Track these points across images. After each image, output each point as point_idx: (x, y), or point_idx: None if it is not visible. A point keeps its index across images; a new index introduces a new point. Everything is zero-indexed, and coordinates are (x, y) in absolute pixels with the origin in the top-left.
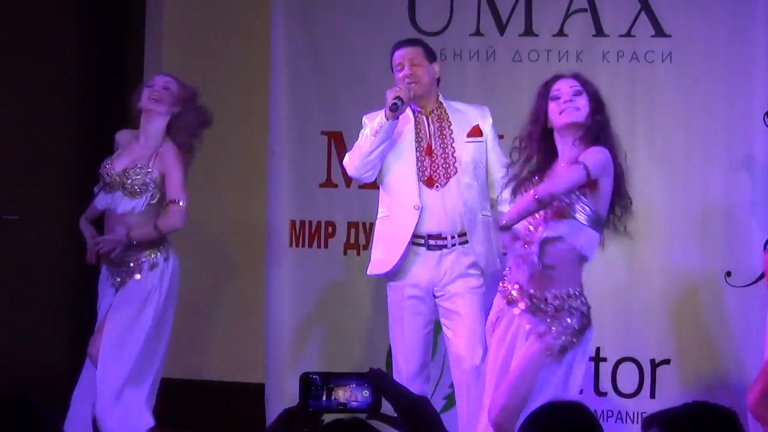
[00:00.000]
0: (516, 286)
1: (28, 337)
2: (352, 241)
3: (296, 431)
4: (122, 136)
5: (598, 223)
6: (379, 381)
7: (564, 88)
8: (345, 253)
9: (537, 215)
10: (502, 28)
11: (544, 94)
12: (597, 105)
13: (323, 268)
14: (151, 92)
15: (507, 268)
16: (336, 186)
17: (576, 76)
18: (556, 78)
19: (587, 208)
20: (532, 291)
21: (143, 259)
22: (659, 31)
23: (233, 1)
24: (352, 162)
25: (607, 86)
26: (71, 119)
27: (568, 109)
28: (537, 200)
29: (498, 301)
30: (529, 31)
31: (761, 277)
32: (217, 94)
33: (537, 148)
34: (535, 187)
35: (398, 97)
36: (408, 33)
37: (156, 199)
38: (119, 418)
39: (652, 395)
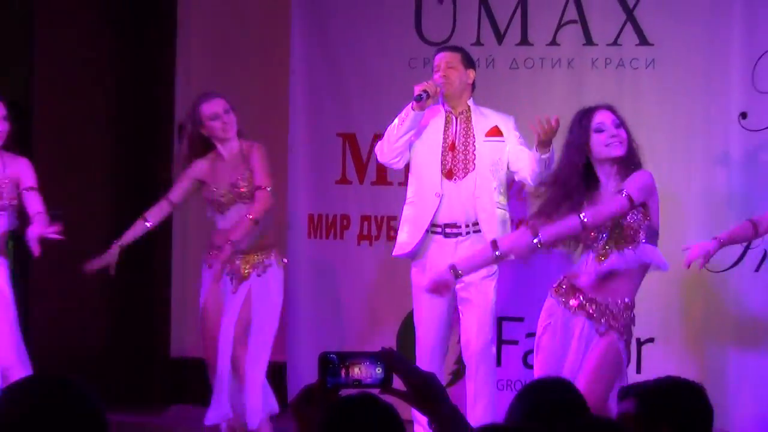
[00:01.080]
0: (578, 294)
1: (71, 320)
2: (365, 233)
3: (316, 405)
4: (200, 165)
5: (654, 236)
6: (390, 359)
7: (607, 121)
8: (359, 244)
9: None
10: (500, 38)
11: (587, 126)
12: (629, 133)
13: (339, 258)
14: (222, 124)
15: (563, 277)
16: (350, 183)
17: (611, 108)
18: (594, 110)
19: (646, 227)
20: (592, 297)
21: (265, 260)
22: (643, 40)
23: (256, 15)
24: (381, 148)
25: (596, 91)
26: (109, 123)
27: (614, 143)
28: (583, 224)
29: (552, 308)
30: (524, 41)
31: (735, 263)
32: (242, 99)
33: (580, 176)
34: (573, 212)
35: (425, 90)
36: (415, 44)
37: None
38: (262, 404)
39: (638, 371)
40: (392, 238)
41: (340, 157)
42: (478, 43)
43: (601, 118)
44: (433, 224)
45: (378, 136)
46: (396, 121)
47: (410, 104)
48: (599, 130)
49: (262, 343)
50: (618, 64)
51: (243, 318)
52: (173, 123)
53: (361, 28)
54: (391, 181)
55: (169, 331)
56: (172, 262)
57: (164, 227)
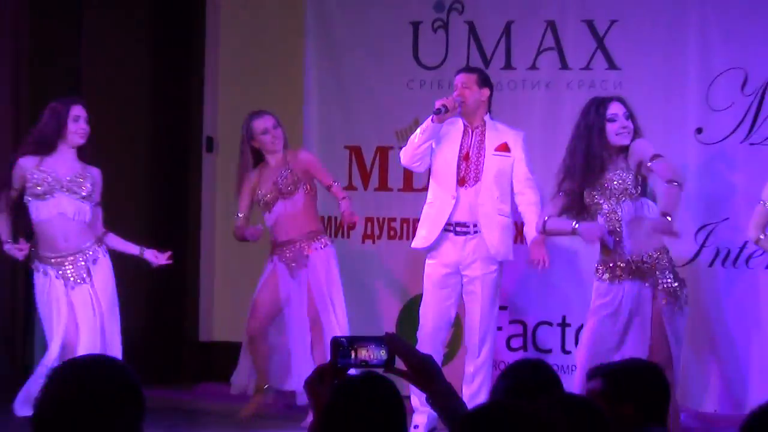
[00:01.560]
0: (620, 264)
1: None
2: (368, 232)
3: (328, 383)
4: (252, 176)
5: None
6: (393, 342)
7: (619, 112)
8: (363, 242)
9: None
10: (486, 63)
11: (603, 114)
12: (636, 124)
13: (347, 254)
14: (272, 138)
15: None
16: (356, 189)
17: (622, 100)
18: (609, 100)
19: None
20: (629, 258)
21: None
22: (611, 65)
23: (276, 45)
24: (405, 154)
25: (570, 109)
26: (147, 124)
27: (624, 133)
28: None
29: (601, 290)
30: (508, 65)
31: (692, 259)
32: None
33: (597, 156)
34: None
35: (444, 105)
36: (412, 68)
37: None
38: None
39: None
40: (392, 237)
41: (347, 166)
42: (476, 67)
43: (614, 109)
44: (447, 223)
45: (380, 149)
46: (418, 130)
47: (431, 117)
48: (612, 120)
49: (341, 307)
50: (590, 86)
51: (311, 303)
52: (202, 135)
53: (365, 54)
54: (391, 187)
55: (198, 318)
56: (201, 258)
57: (193, 227)
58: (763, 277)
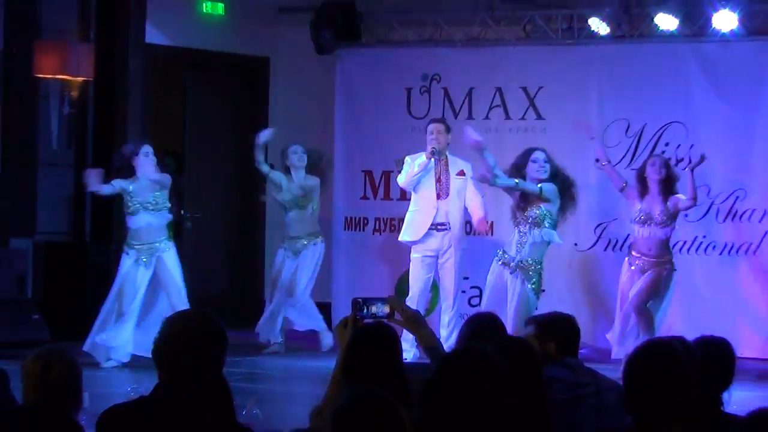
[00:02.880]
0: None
1: (200, 276)
2: (377, 228)
3: (349, 328)
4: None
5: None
6: (392, 301)
7: (540, 158)
8: (373, 234)
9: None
10: (455, 114)
11: (527, 157)
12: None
13: (361, 243)
14: (290, 158)
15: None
16: (368, 198)
17: (544, 150)
18: (534, 149)
19: None
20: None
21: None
22: (539, 116)
23: (314, 99)
24: (404, 180)
25: (512, 147)
26: (230, 143)
27: (541, 170)
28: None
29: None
30: (470, 117)
31: (593, 246)
32: (305, 144)
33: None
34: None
35: (434, 148)
36: (406, 118)
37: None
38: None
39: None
40: (393, 230)
41: (362, 184)
42: (443, 117)
43: (536, 155)
44: (431, 224)
45: (384, 172)
46: (416, 168)
47: (424, 155)
48: (534, 161)
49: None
50: (524, 131)
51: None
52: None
53: (375, 107)
54: (392, 198)
55: (263, 281)
56: (266, 241)
57: (260, 219)
58: None
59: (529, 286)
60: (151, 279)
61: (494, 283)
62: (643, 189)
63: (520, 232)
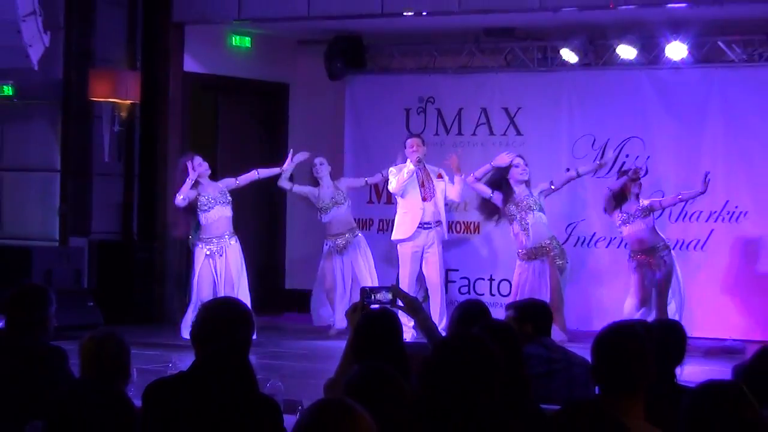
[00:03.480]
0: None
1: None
2: (380, 228)
3: (358, 313)
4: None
5: None
6: (395, 290)
7: (521, 162)
8: (377, 232)
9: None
10: (447, 131)
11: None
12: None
13: (369, 239)
14: (317, 172)
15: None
16: (373, 203)
17: (522, 157)
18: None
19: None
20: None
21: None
22: (519, 133)
23: (328, 116)
24: (396, 186)
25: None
26: (256, 163)
27: (524, 173)
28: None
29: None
30: (460, 133)
31: (564, 242)
32: (320, 155)
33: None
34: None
35: (419, 158)
36: (405, 134)
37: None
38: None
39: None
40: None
41: (368, 190)
42: (436, 134)
43: (518, 160)
44: (419, 224)
45: (386, 180)
46: (405, 175)
47: (409, 164)
48: (516, 166)
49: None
50: (506, 146)
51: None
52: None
53: (378, 125)
54: (393, 202)
55: (284, 273)
56: (287, 238)
57: (282, 212)
58: (602, 252)
59: (558, 262)
60: None
61: (517, 281)
62: (621, 199)
63: (520, 222)
